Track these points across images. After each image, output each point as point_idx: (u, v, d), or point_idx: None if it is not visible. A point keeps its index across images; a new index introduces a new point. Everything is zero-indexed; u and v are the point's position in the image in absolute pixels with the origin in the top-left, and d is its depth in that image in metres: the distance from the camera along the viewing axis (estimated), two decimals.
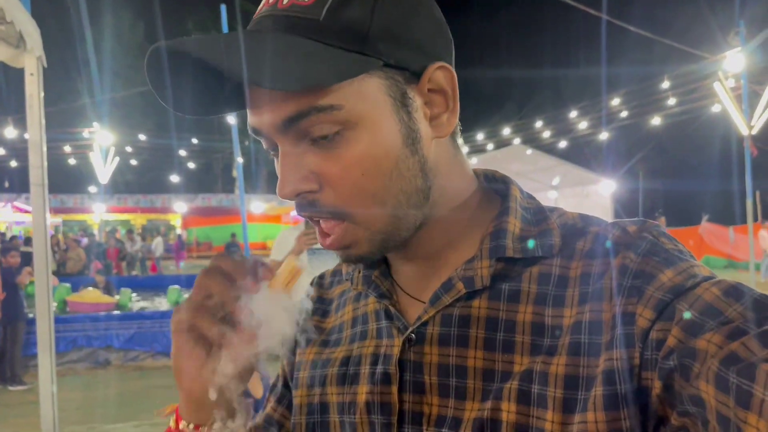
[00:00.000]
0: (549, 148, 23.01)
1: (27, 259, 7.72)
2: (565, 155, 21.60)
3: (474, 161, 19.22)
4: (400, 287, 0.78)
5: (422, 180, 0.68)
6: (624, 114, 22.50)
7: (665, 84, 19.07)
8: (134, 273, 20.57)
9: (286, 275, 0.67)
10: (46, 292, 3.58)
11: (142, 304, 12.31)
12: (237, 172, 11.06)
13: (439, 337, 0.70)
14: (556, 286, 0.67)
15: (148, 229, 33.38)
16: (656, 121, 21.66)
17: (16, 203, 27.71)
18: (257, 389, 3.17)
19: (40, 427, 3.65)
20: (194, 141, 35.00)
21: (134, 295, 12.19)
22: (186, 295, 7.50)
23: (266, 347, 0.65)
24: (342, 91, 0.62)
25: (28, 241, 12.82)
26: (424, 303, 0.73)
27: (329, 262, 0.94)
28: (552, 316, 0.66)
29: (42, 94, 3.58)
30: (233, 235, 20.35)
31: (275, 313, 0.65)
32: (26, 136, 3.62)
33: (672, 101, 19.95)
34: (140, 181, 38.57)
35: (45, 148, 3.60)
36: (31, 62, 3.49)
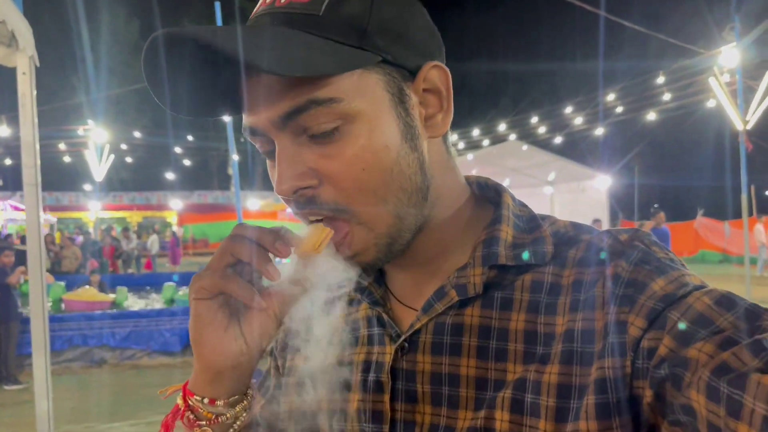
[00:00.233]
0: (545, 144, 23.02)
1: (23, 257, 7.70)
2: (561, 151, 21.60)
3: (469, 157, 19.21)
4: (394, 295, 0.78)
5: (421, 178, 0.68)
6: (619, 109, 22.49)
7: (660, 79, 19.07)
8: (130, 271, 20.52)
9: (315, 239, 0.66)
10: (40, 292, 3.57)
11: (139, 302, 12.27)
12: (233, 170, 11.02)
13: (431, 346, 0.70)
14: (548, 294, 0.67)
15: (144, 227, 33.30)
16: (651, 116, 21.67)
17: (11, 201, 27.64)
18: None
19: (35, 427, 3.65)
20: (190, 138, 34.89)
21: (130, 293, 12.17)
22: (181, 292, 7.45)
23: (299, 313, 0.65)
24: (341, 84, 0.62)
25: (24, 239, 12.78)
26: (417, 311, 0.72)
27: None
28: (544, 324, 0.66)
29: (34, 93, 3.56)
30: None
31: (310, 276, 0.65)
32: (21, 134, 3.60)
33: (667, 96, 19.95)
34: (136, 178, 38.47)
35: (38, 148, 3.58)
36: (24, 61, 3.47)
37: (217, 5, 9.97)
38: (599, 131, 23.69)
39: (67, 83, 32.82)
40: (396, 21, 0.65)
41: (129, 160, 34.61)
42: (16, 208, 27.34)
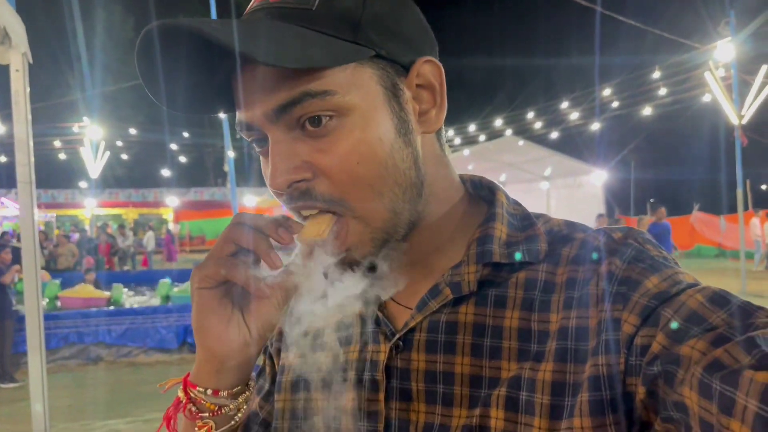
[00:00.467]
0: (541, 139, 23.04)
1: (20, 254, 7.68)
2: (557, 146, 21.62)
3: (466, 153, 19.22)
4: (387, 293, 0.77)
5: (416, 173, 0.68)
6: (615, 104, 22.53)
7: (656, 74, 19.10)
8: (126, 268, 20.49)
9: (318, 224, 0.66)
10: (35, 291, 3.55)
11: (135, 300, 12.26)
12: (228, 166, 11.02)
13: (426, 344, 0.70)
14: (542, 291, 0.67)
15: (140, 224, 33.28)
16: (647, 111, 21.70)
17: (5, 198, 27.57)
18: None
19: (31, 425, 3.64)
20: (185, 135, 34.85)
21: (126, 290, 12.15)
22: (177, 290, 7.43)
23: (306, 298, 0.66)
24: (335, 77, 0.62)
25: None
26: (412, 309, 0.72)
27: None
28: (538, 322, 0.66)
29: (28, 90, 3.55)
30: None
31: (311, 264, 0.65)
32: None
33: (663, 91, 19.99)
34: (131, 175, 38.41)
35: (32, 145, 3.57)
36: (17, 58, 3.45)
37: (212, 1, 9.94)
38: (595, 126, 23.74)
39: (61, 80, 32.70)
40: (389, 16, 0.66)
41: (125, 157, 34.56)
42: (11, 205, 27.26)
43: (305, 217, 0.68)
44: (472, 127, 25.51)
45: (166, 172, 38.05)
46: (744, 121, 13.27)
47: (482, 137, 24.23)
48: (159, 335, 8.98)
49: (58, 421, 5.71)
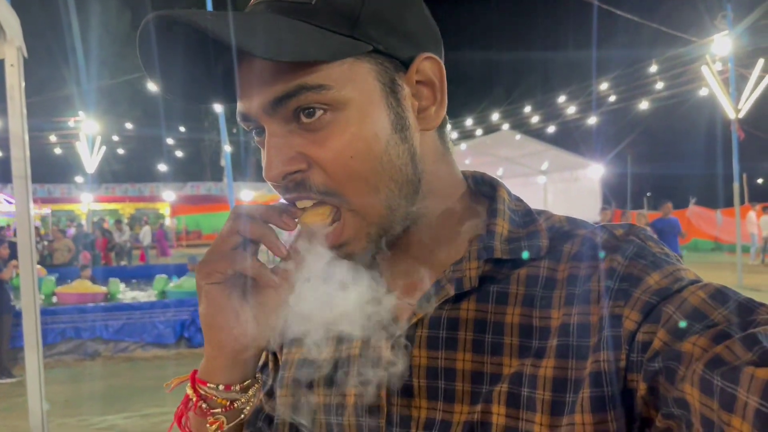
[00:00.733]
0: (538, 133, 23.06)
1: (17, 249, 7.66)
2: (554, 140, 21.64)
3: (463, 147, 19.22)
4: (389, 289, 0.77)
5: (412, 170, 0.68)
6: (612, 98, 22.54)
7: (653, 68, 19.10)
8: (123, 263, 20.47)
9: (317, 212, 0.66)
10: (31, 288, 3.55)
11: (132, 295, 12.25)
12: (225, 161, 11.00)
13: (427, 340, 0.70)
14: (543, 287, 0.67)
15: (137, 219, 33.25)
16: (644, 105, 21.73)
17: (2, 194, 27.49)
18: None
19: (28, 421, 3.64)
20: (182, 129, 34.80)
21: (123, 285, 12.15)
22: (172, 285, 7.42)
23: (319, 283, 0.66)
24: (331, 71, 0.62)
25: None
26: (413, 305, 0.72)
27: None
28: (540, 318, 0.66)
29: (23, 85, 3.53)
30: None
31: (316, 252, 0.66)
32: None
33: (660, 85, 20.00)
34: (128, 170, 38.34)
35: (27, 140, 3.55)
36: (11, 53, 3.43)
37: None
38: (592, 120, 23.76)
39: (57, 74, 32.59)
40: (389, 11, 0.65)
41: (121, 151, 34.53)
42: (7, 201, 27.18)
43: (301, 209, 0.68)
44: (469, 121, 25.47)
45: (162, 167, 38.03)
46: (741, 115, 13.30)
47: (479, 131, 24.21)
48: (156, 330, 8.98)
49: (55, 417, 5.72)
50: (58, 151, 29.03)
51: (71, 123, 23.48)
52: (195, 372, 0.73)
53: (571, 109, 23.46)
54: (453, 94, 0.78)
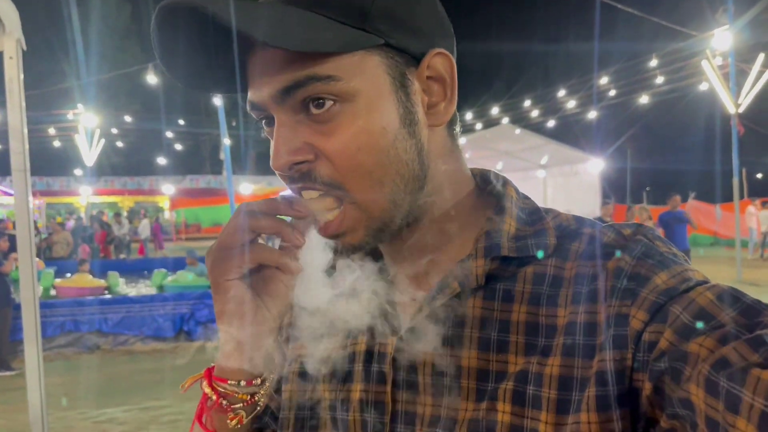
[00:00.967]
0: (537, 127, 23.04)
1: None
2: (554, 134, 21.62)
3: (462, 141, 19.14)
4: (395, 285, 0.77)
5: (418, 166, 0.68)
6: (612, 93, 22.52)
7: (653, 62, 19.07)
8: (122, 256, 20.47)
9: (323, 202, 0.67)
10: (30, 282, 3.55)
11: (131, 288, 12.25)
12: (224, 154, 10.99)
13: (433, 337, 0.69)
14: (550, 286, 0.67)
15: (136, 212, 33.25)
16: (644, 99, 21.71)
17: (2, 187, 27.46)
18: None
19: (28, 413, 3.64)
20: (181, 122, 34.75)
21: (122, 279, 12.16)
22: (172, 278, 7.40)
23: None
24: (341, 63, 0.62)
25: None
26: (419, 302, 0.72)
27: None
28: (546, 316, 0.66)
29: (22, 78, 3.52)
30: None
31: (318, 246, 0.67)
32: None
33: (660, 80, 19.98)
34: (127, 163, 38.30)
35: (26, 133, 3.54)
36: (10, 45, 3.42)
37: None
38: (592, 115, 23.74)
39: (56, 67, 32.52)
40: (400, 6, 0.65)
41: (120, 144, 34.48)
42: (5, 193, 27.16)
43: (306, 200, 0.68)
44: (468, 115, 25.45)
45: (161, 160, 37.99)
46: (741, 110, 13.29)
47: (479, 125, 24.19)
48: (156, 324, 8.99)
49: (54, 410, 5.72)
50: (56, 143, 29.00)
51: (70, 116, 23.46)
52: (210, 370, 0.73)
53: (571, 104, 23.45)
54: None
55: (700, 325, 0.54)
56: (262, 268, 0.68)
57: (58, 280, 10.90)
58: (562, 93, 23.53)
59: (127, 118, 30.49)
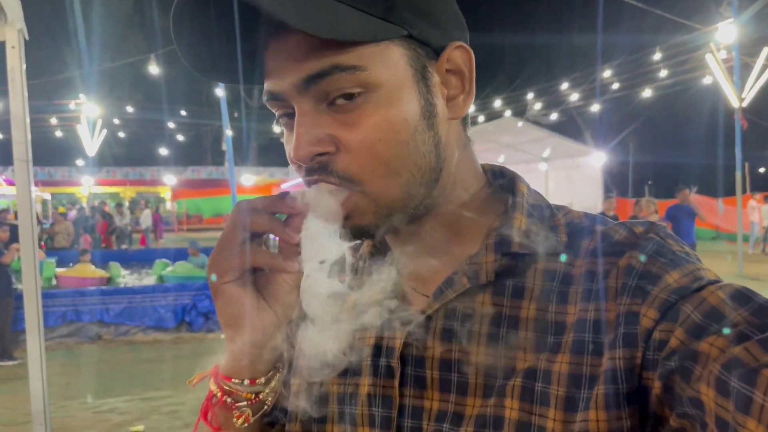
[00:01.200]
0: (540, 120, 22.97)
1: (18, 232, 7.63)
2: (556, 127, 21.57)
3: None
4: (404, 279, 0.77)
5: (435, 158, 0.68)
6: (615, 86, 22.47)
7: (657, 56, 19.01)
8: (123, 247, 20.49)
9: (338, 194, 0.66)
10: (33, 271, 3.55)
11: (133, 278, 12.27)
12: (226, 145, 10.98)
13: (441, 332, 0.70)
14: (560, 282, 0.67)
15: (137, 202, 33.28)
16: (647, 93, 21.65)
17: (4, 176, 27.46)
18: None
19: (30, 403, 3.66)
20: (183, 113, 34.71)
21: (123, 269, 12.17)
22: (171, 268, 7.43)
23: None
24: (365, 53, 0.62)
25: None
26: (428, 297, 0.72)
27: None
28: (556, 313, 0.65)
29: (24, 67, 3.51)
30: None
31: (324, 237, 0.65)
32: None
33: (663, 73, 19.92)
34: (129, 153, 38.27)
35: (28, 123, 3.54)
36: (12, 35, 3.42)
37: None
38: (595, 108, 23.69)
39: (57, 56, 32.47)
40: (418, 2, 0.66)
41: (122, 135, 34.45)
42: (7, 182, 27.14)
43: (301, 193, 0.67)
44: (471, 108, 25.36)
45: (163, 151, 37.99)
46: (744, 104, 13.24)
47: (481, 118, 24.13)
48: (157, 314, 9.02)
49: (56, 399, 5.74)
50: (58, 133, 29.00)
51: (72, 106, 23.45)
52: (217, 367, 0.73)
53: (574, 97, 23.40)
54: None
55: (711, 324, 0.54)
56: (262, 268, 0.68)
57: (59, 270, 10.92)
58: (565, 86, 23.47)
59: (129, 109, 30.46)
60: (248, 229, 0.65)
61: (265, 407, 0.73)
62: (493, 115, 23.50)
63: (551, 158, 19.97)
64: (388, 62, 0.64)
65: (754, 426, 0.46)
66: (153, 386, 6.55)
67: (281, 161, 37.24)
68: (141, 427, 5.37)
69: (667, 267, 0.61)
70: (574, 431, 0.60)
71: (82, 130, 21.82)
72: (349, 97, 0.63)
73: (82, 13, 29.93)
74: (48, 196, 28.21)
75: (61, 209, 27.66)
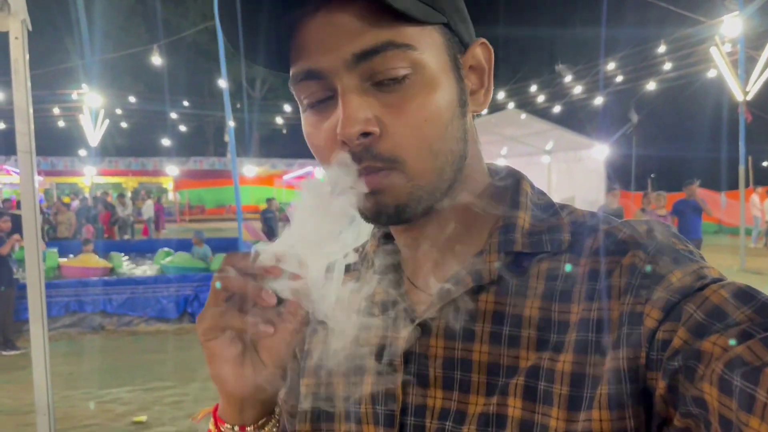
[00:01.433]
0: (543, 113, 22.93)
1: (20, 222, 7.64)
2: (559, 120, 21.52)
3: None
4: (408, 278, 0.78)
5: (463, 147, 0.70)
6: (619, 79, 22.39)
7: (661, 48, 18.94)
8: (126, 237, 20.52)
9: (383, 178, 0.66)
10: (36, 261, 3.55)
11: (135, 269, 12.30)
12: (228, 137, 10.98)
13: (445, 330, 0.70)
14: (563, 282, 0.67)
15: (138, 192, 33.29)
16: (651, 86, 21.58)
17: (6, 165, 27.50)
18: None
19: (33, 393, 3.67)
20: (185, 104, 34.67)
21: (126, 260, 12.20)
22: (170, 258, 7.48)
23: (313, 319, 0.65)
24: (415, 33, 0.64)
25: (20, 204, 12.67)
26: (431, 295, 0.72)
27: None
28: (559, 312, 0.65)
29: (27, 58, 3.51)
30: (269, 201, 18.33)
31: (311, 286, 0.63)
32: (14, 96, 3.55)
33: (667, 66, 19.85)
34: (131, 144, 38.26)
35: (32, 114, 3.54)
36: (16, 26, 3.41)
37: None
38: (598, 101, 23.62)
39: (60, 46, 32.41)
40: None
41: (124, 125, 34.44)
42: (9, 172, 27.19)
43: (361, 173, 0.65)
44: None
45: (166, 141, 37.98)
46: (749, 98, 13.20)
47: (484, 110, 24.05)
48: (159, 305, 9.05)
49: (59, 389, 5.76)
50: (61, 123, 28.98)
51: (74, 95, 23.44)
52: (217, 406, 0.73)
53: (578, 89, 23.33)
54: None
55: (714, 323, 0.54)
56: None
57: (63, 260, 10.95)
58: (568, 78, 23.41)
59: (132, 99, 30.44)
60: (227, 289, 0.62)
61: None
62: (495, 107, 23.46)
63: (554, 151, 19.93)
64: (433, 46, 0.65)
65: (757, 424, 0.46)
66: (155, 377, 6.58)
67: (283, 152, 37.23)
68: (144, 418, 5.40)
69: (670, 266, 0.61)
70: (577, 430, 0.59)
71: (84, 120, 21.82)
72: (396, 78, 0.63)
73: (84, 2, 29.86)
74: (50, 186, 28.25)
75: (66, 199, 27.67)
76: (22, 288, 7.80)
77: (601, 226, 0.69)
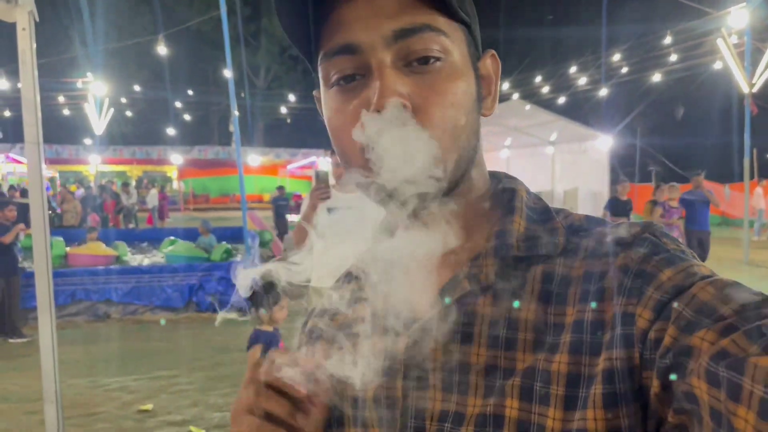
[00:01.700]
0: (548, 104, 22.85)
1: (25, 211, 7.68)
2: (564, 111, 21.44)
3: None
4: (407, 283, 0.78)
5: (476, 141, 0.73)
6: (624, 70, 22.28)
7: (667, 40, 18.83)
8: (131, 226, 20.56)
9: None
10: (44, 250, 3.58)
11: (140, 258, 12.34)
12: (233, 126, 10.97)
13: (442, 334, 0.71)
14: (559, 284, 0.68)
15: (143, 181, 33.30)
16: (657, 77, 21.47)
17: (11, 154, 27.53)
18: None
19: (40, 380, 3.71)
20: (190, 93, 34.62)
21: (130, 249, 12.24)
22: (172, 247, 7.48)
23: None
24: (448, 25, 0.68)
25: (25, 192, 12.71)
26: (430, 299, 0.73)
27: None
28: (554, 314, 0.67)
29: (34, 48, 3.52)
30: (280, 189, 18.65)
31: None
32: (19, 85, 3.57)
33: (673, 57, 19.74)
34: (136, 132, 38.23)
35: (39, 104, 3.55)
36: (23, 17, 3.42)
37: None
38: (603, 92, 23.52)
39: (65, 35, 32.36)
40: (472, 3, 0.74)
41: (129, 114, 34.44)
42: (14, 161, 27.22)
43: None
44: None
45: (170, 130, 37.93)
46: (754, 90, 13.13)
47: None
48: (165, 294, 9.08)
49: (65, 377, 5.81)
50: (66, 112, 29.00)
51: (79, 84, 23.40)
52: None
53: (582, 80, 23.24)
54: None
55: (702, 319, 0.55)
56: None
57: (69, 249, 10.99)
58: (573, 69, 23.31)
59: (137, 88, 30.42)
60: (259, 408, 0.71)
61: None
62: (500, 98, 23.32)
63: (558, 142, 19.87)
64: (459, 40, 0.70)
65: (744, 412, 0.48)
66: (162, 365, 6.62)
67: (287, 142, 37.16)
68: (150, 406, 5.45)
69: (661, 265, 0.62)
70: (572, 429, 0.61)
71: (89, 108, 21.82)
72: (427, 61, 0.66)
73: None
74: (54, 174, 28.28)
75: (72, 187, 27.71)
76: (28, 276, 7.85)
77: (594, 229, 0.71)
